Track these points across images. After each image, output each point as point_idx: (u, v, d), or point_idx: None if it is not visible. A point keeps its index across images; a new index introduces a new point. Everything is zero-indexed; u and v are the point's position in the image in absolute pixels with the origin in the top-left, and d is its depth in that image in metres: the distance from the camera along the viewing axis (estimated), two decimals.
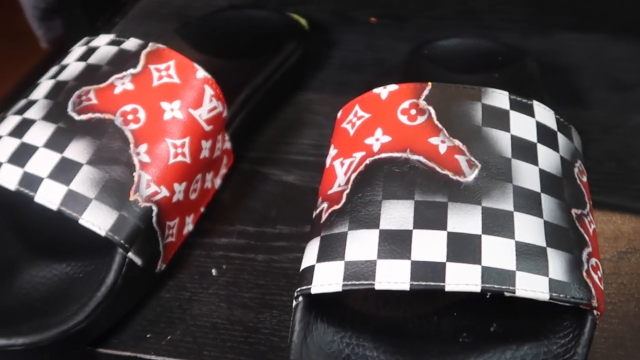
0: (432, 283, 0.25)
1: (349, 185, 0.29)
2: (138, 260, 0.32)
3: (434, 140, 0.29)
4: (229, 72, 0.45)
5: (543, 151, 0.30)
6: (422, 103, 0.31)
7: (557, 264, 0.26)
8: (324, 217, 0.29)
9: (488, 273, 0.25)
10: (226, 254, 0.37)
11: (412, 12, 0.62)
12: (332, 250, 0.27)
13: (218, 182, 0.40)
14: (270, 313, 0.33)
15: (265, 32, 0.51)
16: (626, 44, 0.55)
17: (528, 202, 0.27)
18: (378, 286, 0.26)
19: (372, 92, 0.32)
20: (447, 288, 0.25)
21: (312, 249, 0.28)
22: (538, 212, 0.27)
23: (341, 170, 0.30)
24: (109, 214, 0.31)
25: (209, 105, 0.36)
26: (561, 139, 0.31)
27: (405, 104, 0.31)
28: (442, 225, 0.26)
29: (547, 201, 0.28)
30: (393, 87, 0.32)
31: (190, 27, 0.50)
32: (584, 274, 0.26)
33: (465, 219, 0.26)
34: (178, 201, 0.34)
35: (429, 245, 0.26)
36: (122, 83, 0.34)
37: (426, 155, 0.29)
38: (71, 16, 0.60)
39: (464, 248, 0.26)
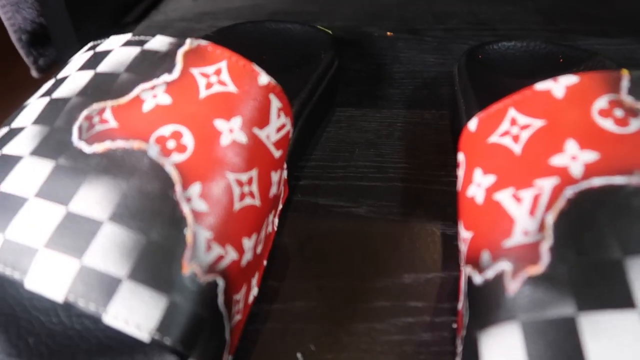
0: None
1: (548, 233, 0.15)
2: None
3: None
4: None
5: None
6: (627, 99, 0.17)
7: None
8: (512, 287, 0.15)
9: None
10: (308, 325, 0.21)
11: (426, 26, 0.48)
12: (556, 351, 0.13)
13: (276, 222, 0.24)
14: None
15: (302, 44, 0.36)
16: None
17: None
18: None
19: (535, 88, 0.18)
20: None
21: (504, 344, 0.14)
22: None
23: (520, 208, 0.16)
24: (151, 302, 0.15)
25: (277, 122, 0.20)
26: None
27: (602, 102, 0.17)
28: None
29: None
30: (570, 79, 0.18)
31: (222, 34, 0.34)
32: None
33: None
34: (247, 262, 0.18)
35: None
36: (154, 95, 0.18)
37: None
38: (63, 40, 0.43)
39: None
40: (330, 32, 0.38)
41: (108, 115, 0.18)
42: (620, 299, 0.13)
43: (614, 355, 0.13)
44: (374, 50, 0.43)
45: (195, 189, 0.17)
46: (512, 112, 0.18)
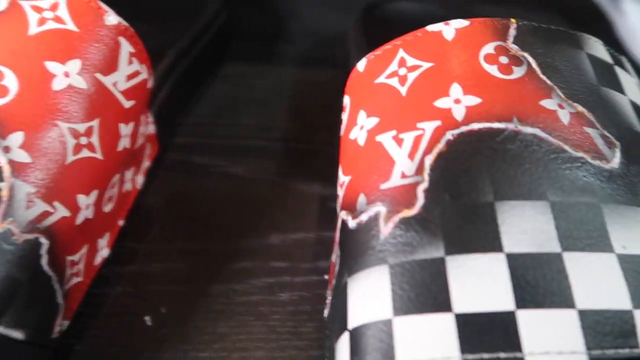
0: (624, 350, 0.12)
1: (425, 176, 0.15)
2: (18, 334, 0.14)
3: (548, 103, 0.16)
4: (146, 34, 0.27)
5: None
6: (513, 47, 0.17)
7: None
8: (385, 229, 0.15)
9: None
10: (164, 288, 0.20)
11: None
12: (421, 292, 0.13)
13: (140, 180, 0.23)
14: None
15: None
16: (543, 16, 0.44)
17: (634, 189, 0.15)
18: None
19: (427, 29, 0.18)
20: None
21: (370, 287, 0.14)
22: None
23: (400, 150, 0.16)
24: None
25: (127, 69, 0.19)
26: None
27: (489, 48, 0.17)
28: (604, 244, 0.14)
29: None
30: (461, 22, 0.18)
31: None
32: None
33: (634, 232, 0.14)
34: (86, 221, 0.17)
35: (598, 280, 0.13)
36: None
37: (544, 126, 0.15)
38: None
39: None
40: None
41: None
42: (487, 243, 0.13)
43: (474, 293, 0.13)
44: (274, 5, 0.42)
45: (17, 137, 0.15)
46: (401, 53, 0.18)
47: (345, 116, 0.20)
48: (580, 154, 0.15)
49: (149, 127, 0.23)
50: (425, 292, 0.13)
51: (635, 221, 0.14)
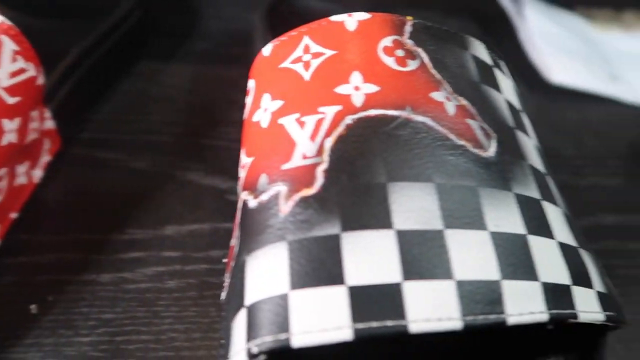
0: (492, 316, 0.14)
1: (325, 157, 0.16)
2: None
3: (437, 95, 0.17)
4: (48, 33, 0.28)
5: (527, 122, 0.19)
6: (408, 42, 0.18)
7: (593, 269, 0.16)
8: (285, 208, 0.15)
9: (549, 293, 0.15)
10: (54, 277, 0.21)
11: None
12: (317, 266, 0.14)
13: (38, 174, 0.23)
14: None
15: None
16: (457, 21, 0.46)
17: (545, 188, 0.17)
18: (415, 328, 0.13)
19: (330, 20, 0.19)
20: (511, 321, 0.14)
21: (269, 263, 0.15)
22: (557, 202, 0.17)
23: (302, 132, 0.17)
24: None
25: (10, 66, 0.19)
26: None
27: (387, 41, 0.18)
28: (479, 223, 0.15)
29: (552, 186, 0.18)
30: (363, 15, 0.19)
31: None
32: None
33: (503, 212, 0.16)
34: None
35: (473, 255, 0.15)
36: None
37: (433, 116, 0.17)
38: None
39: (514, 256, 0.15)
40: None
41: None
42: (379, 220, 0.14)
43: (366, 267, 0.14)
44: (194, 4, 0.42)
45: None
46: (306, 40, 0.19)
47: (249, 99, 0.20)
48: (462, 142, 0.16)
49: (46, 123, 0.23)
50: (320, 266, 0.14)
51: (506, 204, 0.16)
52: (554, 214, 0.17)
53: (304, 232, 0.15)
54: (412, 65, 0.18)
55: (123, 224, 0.24)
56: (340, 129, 0.16)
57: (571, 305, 0.15)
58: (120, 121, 0.29)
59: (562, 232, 0.16)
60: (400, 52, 0.18)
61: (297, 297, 0.14)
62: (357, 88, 0.17)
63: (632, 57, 0.43)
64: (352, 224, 0.14)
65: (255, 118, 0.18)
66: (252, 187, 0.17)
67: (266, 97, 0.18)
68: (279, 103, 0.18)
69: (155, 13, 0.38)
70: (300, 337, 0.13)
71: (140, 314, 0.20)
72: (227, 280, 0.18)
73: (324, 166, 0.16)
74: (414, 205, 0.15)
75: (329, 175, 0.15)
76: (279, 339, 0.13)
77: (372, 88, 0.17)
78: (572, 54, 0.40)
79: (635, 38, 0.46)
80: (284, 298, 0.14)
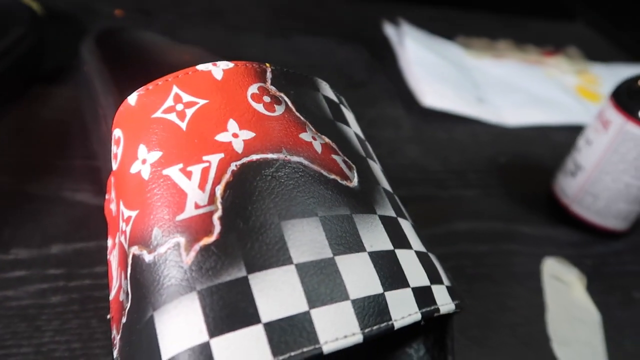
0: (383, 325, 0.16)
1: (218, 205, 0.17)
2: None
3: (305, 136, 0.19)
4: None
5: (370, 148, 0.22)
6: (272, 88, 0.20)
7: (439, 267, 0.19)
8: (187, 259, 0.16)
9: (417, 295, 0.17)
10: None
11: (161, 8, 0.49)
12: (232, 310, 0.15)
13: None
14: None
15: None
16: (350, 47, 0.51)
17: (396, 206, 0.20)
18: (327, 348, 0.15)
19: (197, 69, 0.20)
20: (397, 325, 0.16)
21: (181, 315, 0.15)
22: (406, 216, 0.20)
23: (190, 182, 0.17)
24: None
25: None
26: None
27: (254, 89, 0.19)
28: (359, 246, 0.17)
29: (398, 201, 0.21)
30: (227, 64, 0.20)
31: None
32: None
33: (375, 233, 0.18)
34: None
35: (360, 275, 0.16)
36: None
37: (305, 155, 0.18)
38: None
39: (390, 270, 0.17)
40: (35, 4, 0.37)
41: None
42: (279, 258, 0.16)
43: (276, 302, 0.15)
44: (116, 42, 0.43)
45: None
46: (175, 89, 0.19)
47: (119, 150, 0.20)
48: (333, 177, 0.18)
49: None
50: (234, 310, 0.15)
51: (374, 226, 0.18)
52: (407, 227, 0.19)
53: (212, 279, 0.15)
54: (278, 110, 0.19)
55: (7, 245, 0.25)
56: (227, 176, 0.17)
57: (434, 301, 0.18)
58: (8, 145, 0.30)
59: (416, 241, 0.19)
60: (267, 98, 0.19)
61: (218, 343, 0.14)
62: (236, 135, 0.18)
63: (499, 81, 0.49)
64: (256, 265, 0.15)
65: (133, 170, 0.18)
66: (144, 242, 0.17)
67: (142, 148, 0.18)
68: (157, 154, 0.18)
69: (50, 37, 0.39)
70: None
71: (21, 329, 0.21)
72: (118, 337, 0.17)
73: (218, 213, 0.16)
74: (305, 238, 0.16)
75: (225, 222, 0.16)
76: None
77: (249, 134, 0.18)
78: (443, 80, 0.45)
79: (504, 65, 0.52)
80: (205, 347, 0.14)
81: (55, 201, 0.27)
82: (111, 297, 0.18)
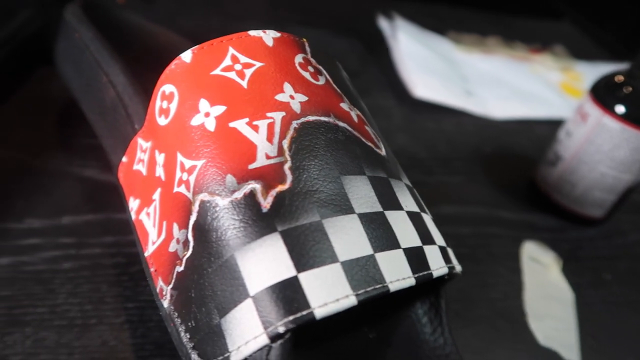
0: (425, 272, 0.18)
1: (287, 156, 0.18)
2: None
3: (344, 106, 0.21)
4: None
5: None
6: (312, 60, 0.21)
7: (432, 227, 0.21)
8: (265, 203, 0.17)
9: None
10: None
11: None
12: (313, 249, 0.17)
13: None
14: (22, 332, 0.21)
15: None
16: (344, 39, 0.52)
17: (404, 176, 0.22)
18: (393, 287, 0.17)
19: (249, 34, 0.21)
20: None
21: (268, 253, 0.17)
22: (403, 179, 0.22)
23: (258, 135, 0.18)
24: None
25: None
26: None
27: (299, 58, 0.21)
28: (398, 205, 0.19)
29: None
30: (275, 33, 0.21)
31: None
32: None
33: (406, 197, 0.20)
34: None
35: (404, 229, 0.19)
36: None
37: (348, 122, 0.20)
38: None
39: (422, 228, 0.20)
40: None
41: None
42: (344, 207, 0.18)
43: (348, 245, 0.17)
44: (99, 14, 0.45)
45: None
46: (232, 50, 0.20)
47: (172, 104, 0.20)
48: (369, 144, 0.20)
49: None
50: (316, 249, 0.16)
51: (403, 190, 0.20)
52: (408, 192, 0.21)
53: (291, 222, 0.17)
54: (321, 80, 0.21)
55: (21, 215, 0.26)
56: (290, 132, 0.18)
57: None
58: (17, 122, 0.31)
59: (409, 200, 0.20)
60: (311, 68, 0.21)
61: (306, 277, 0.16)
62: (292, 97, 0.19)
63: (486, 76, 0.51)
64: (327, 211, 0.17)
65: (194, 122, 0.19)
66: (216, 189, 0.18)
67: (204, 102, 0.19)
68: (221, 108, 0.19)
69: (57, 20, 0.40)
70: (320, 310, 0.16)
71: (36, 291, 0.23)
72: (168, 288, 0.18)
73: (288, 164, 0.18)
74: (361, 193, 0.18)
75: (295, 172, 0.18)
76: (302, 314, 0.16)
77: (303, 97, 0.19)
78: (433, 73, 0.47)
79: (492, 60, 0.54)
80: (293, 280, 0.16)
81: (65, 176, 0.29)
82: (148, 253, 0.19)
